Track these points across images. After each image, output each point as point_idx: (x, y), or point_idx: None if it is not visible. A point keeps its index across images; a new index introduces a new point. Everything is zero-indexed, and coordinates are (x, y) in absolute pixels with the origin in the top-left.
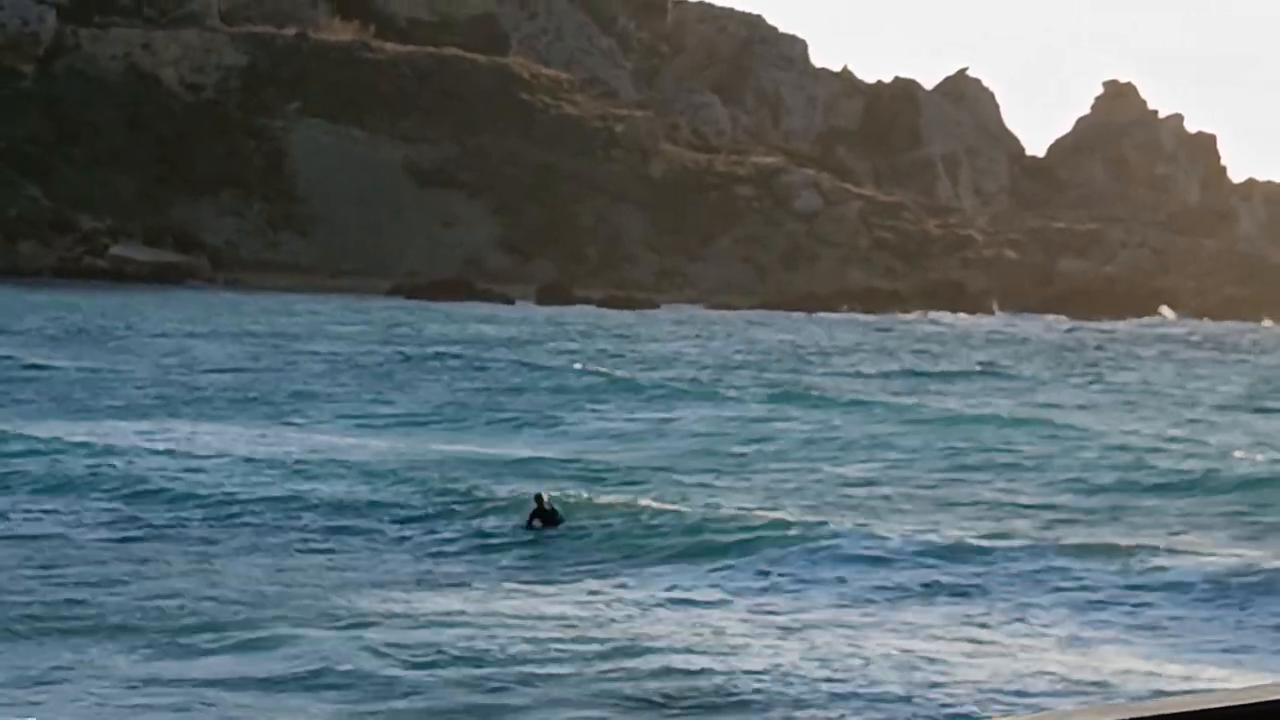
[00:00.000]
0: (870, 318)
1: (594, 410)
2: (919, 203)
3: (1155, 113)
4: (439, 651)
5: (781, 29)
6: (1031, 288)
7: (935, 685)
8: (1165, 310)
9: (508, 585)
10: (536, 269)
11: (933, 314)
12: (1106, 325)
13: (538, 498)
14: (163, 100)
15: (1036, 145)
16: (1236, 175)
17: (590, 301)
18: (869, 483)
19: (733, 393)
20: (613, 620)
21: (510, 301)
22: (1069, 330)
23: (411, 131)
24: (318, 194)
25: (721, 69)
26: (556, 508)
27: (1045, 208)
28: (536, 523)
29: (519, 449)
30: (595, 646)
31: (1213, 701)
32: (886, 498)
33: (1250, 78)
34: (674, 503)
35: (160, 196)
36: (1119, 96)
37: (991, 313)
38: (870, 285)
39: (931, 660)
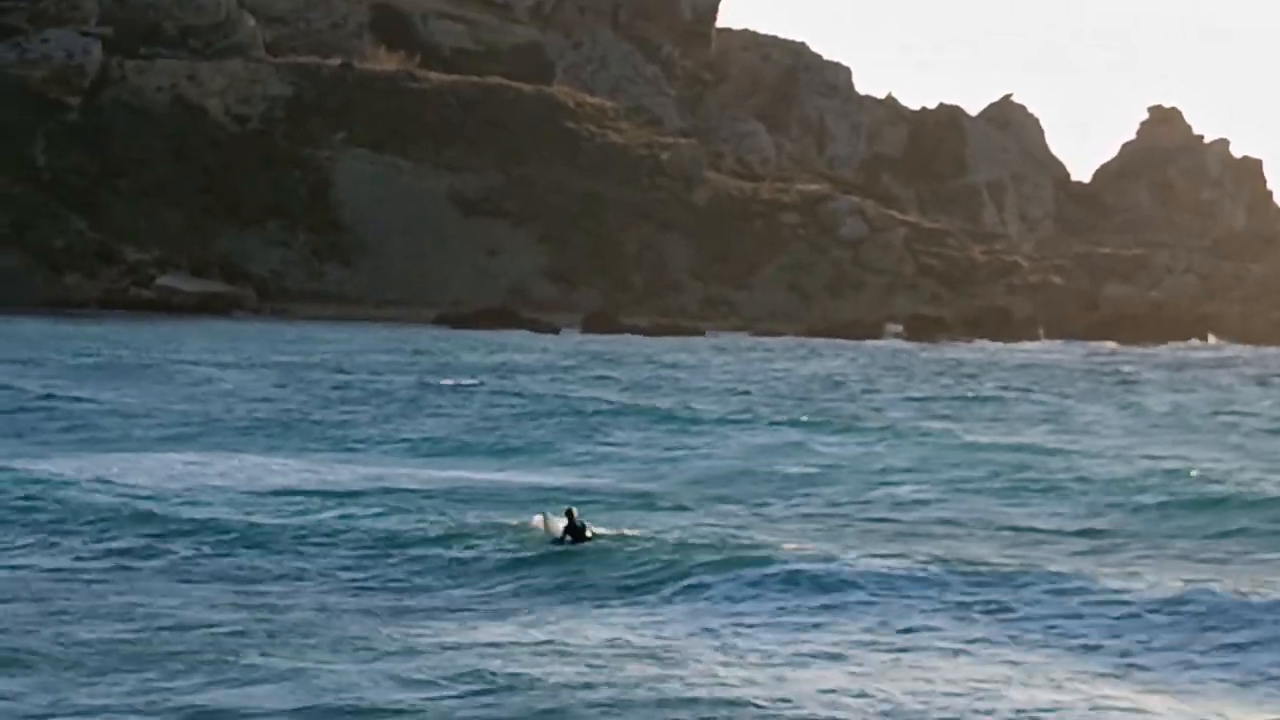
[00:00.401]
0: (909, 344)
1: (618, 436)
2: (964, 229)
3: (1201, 138)
4: (482, 678)
5: (826, 56)
6: (1077, 313)
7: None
8: (1211, 336)
9: (542, 607)
10: (582, 297)
11: (978, 341)
12: (1150, 350)
13: (569, 512)
14: (208, 131)
15: (1082, 171)
16: None
17: (636, 330)
18: (897, 507)
19: (764, 419)
20: (656, 643)
21: (556, 330)
22: (1109, 355)
23: (456, 161)
24: (363, 224)
25: (766, 96)
26: (586, 523)
27: (1091, 233)
28: (568, 538)
29: (542, 475)
30: (642, 669)
31: None
32: (912, 523)
33: None
34: (701, 526)
35: (206, 227)
36: (1164, 122)
37: (1037, 339)
38: (916, 312)
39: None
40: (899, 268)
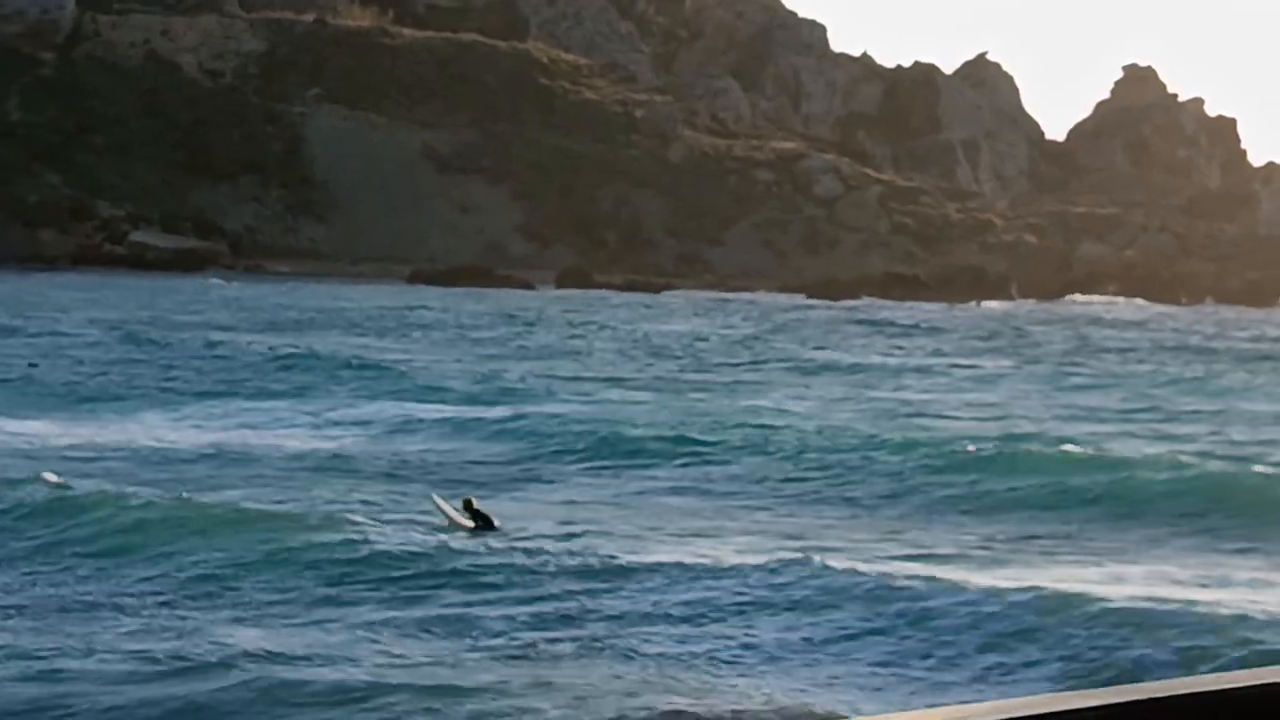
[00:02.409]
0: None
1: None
2: (939, 187)
3: (1175, 96)
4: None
5: (800, 14)
6: (1051, 272)
7: None
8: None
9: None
10: (556, 255)
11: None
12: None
13: (467, 503)
14: (182, 87)
15: (1056, 129)
16: (1257, 159)
17: (611, 286)
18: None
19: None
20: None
21: (531, 287)
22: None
23: (430, 117)
24: (337, 180)
25: (740, 54)
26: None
27: (1065, 192)
28: (473, 523)
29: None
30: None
31: (1207, 685)
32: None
33: (1271, 61)
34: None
35: (179, 183)
36: (1139, 80)
37: (1011, 297)
38: (890, 270)
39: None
40: (873, 225)
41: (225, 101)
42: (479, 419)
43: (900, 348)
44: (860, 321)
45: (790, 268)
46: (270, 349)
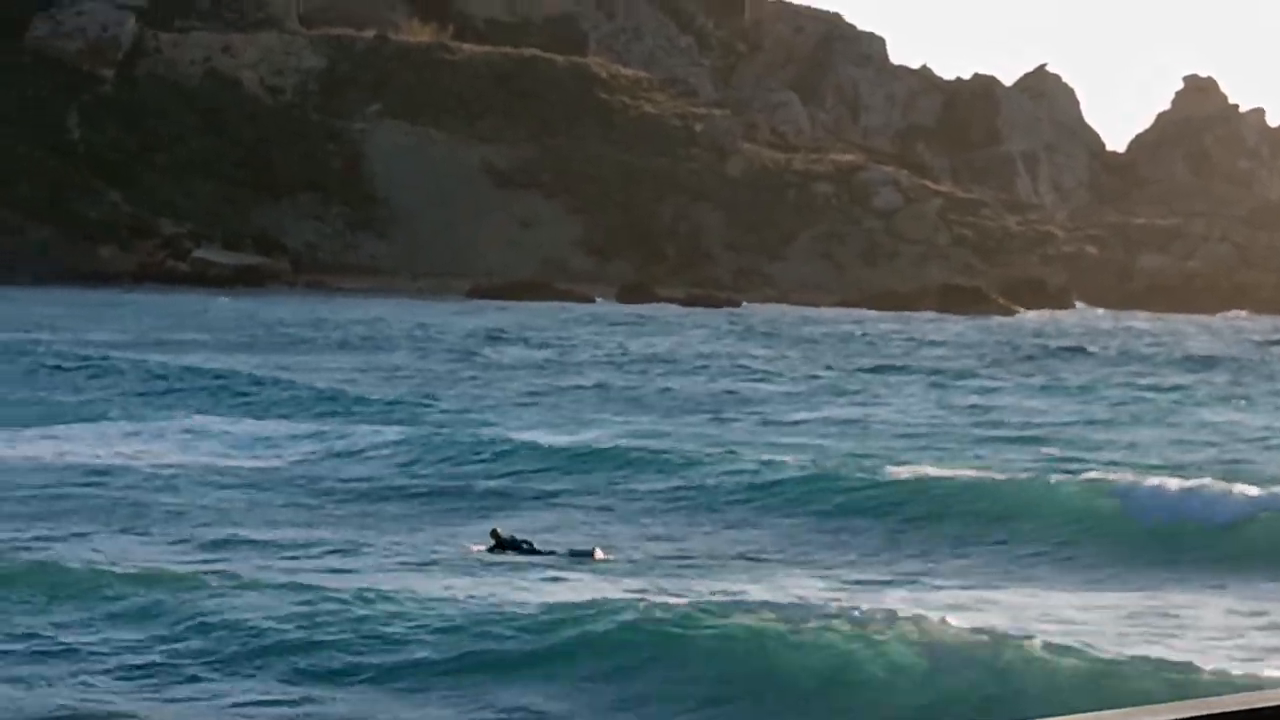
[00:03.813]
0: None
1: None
2: (998, 199)
3: (1236, 107)
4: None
5: (860, 27)
6: (1112, 284)
7: None
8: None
9: None
10: (616, 269)
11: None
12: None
13: (494, 533)
14: (242, 104)
15: (1117, 141)
16: None
17: (671, 300)
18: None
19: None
20: None
21: (591, 301)
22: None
23: (490, 133)
24: (397, 196)
25: (800, 67)
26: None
27: (1125, 203)
28: (507, 552)
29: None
30: None
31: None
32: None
33: None
34: None
35: (240, 200)
36: (1200, 91)
37: (1071, 308)
38: (950, 282)
39: None
40: (933, 238)
41: (286, 118)
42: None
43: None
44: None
45: (849, 280)
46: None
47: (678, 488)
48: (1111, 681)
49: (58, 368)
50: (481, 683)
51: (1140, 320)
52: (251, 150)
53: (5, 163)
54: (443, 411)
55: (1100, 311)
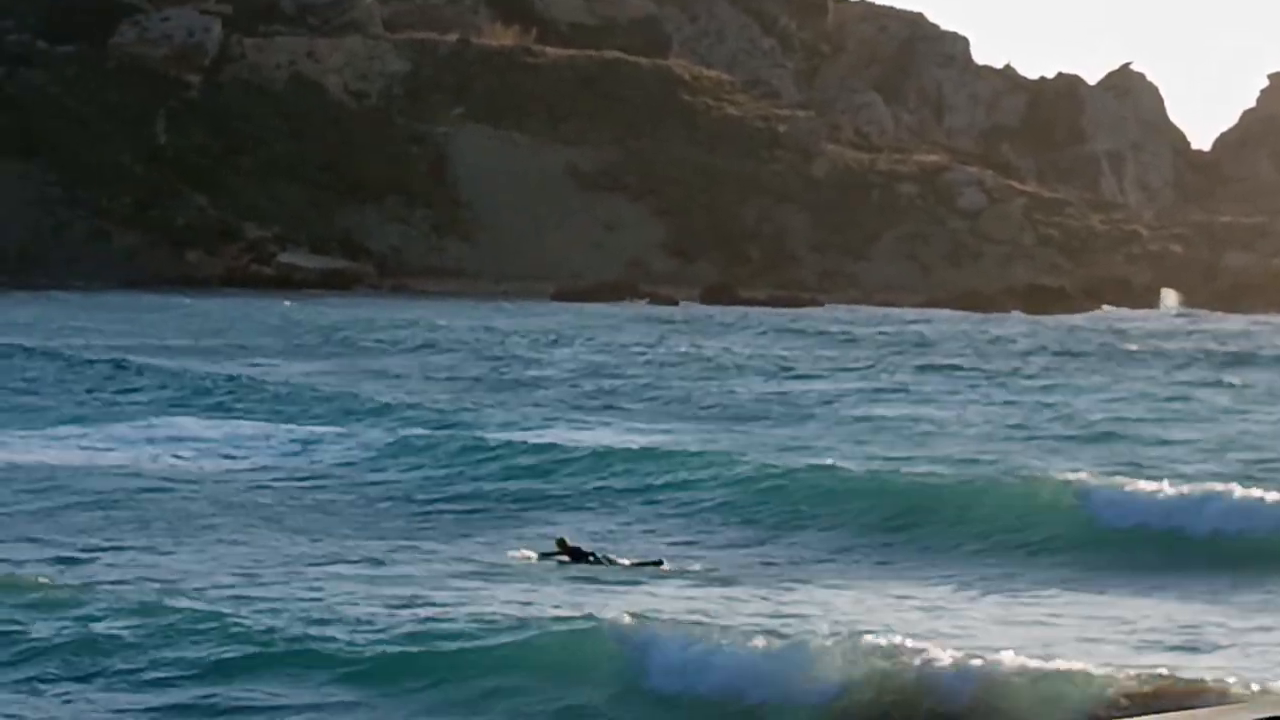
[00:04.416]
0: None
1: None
2: (1083, 198)
3: None
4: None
5: (943, 27)
6: (1198, 282)
7: None
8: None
9: None
10: (700, 271)
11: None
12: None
13: (560, 542)
14: (327, 108)
15: (1202, 139)
16: None
17: (755, 302)
18: None
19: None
20: None
21: (675, 303)
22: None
23: (574, 135)
24: (481, 199)
25: (883, 68)
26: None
27: (1210, 201)
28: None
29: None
30: None
31: None
32: None
33: None
34: None
35: (325, 204)
36: None
37: (1156, 307)
38: (1035, 282)
39: None
40: (1018, 237)
41: (370, 122)
42: None
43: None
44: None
45: (934, 281)
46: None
47: (722, 492)
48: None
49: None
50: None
51: (1228, 319)
52: (336, 154)
53: (93, 170)
54: (497, 421)
55: (1184, 309)
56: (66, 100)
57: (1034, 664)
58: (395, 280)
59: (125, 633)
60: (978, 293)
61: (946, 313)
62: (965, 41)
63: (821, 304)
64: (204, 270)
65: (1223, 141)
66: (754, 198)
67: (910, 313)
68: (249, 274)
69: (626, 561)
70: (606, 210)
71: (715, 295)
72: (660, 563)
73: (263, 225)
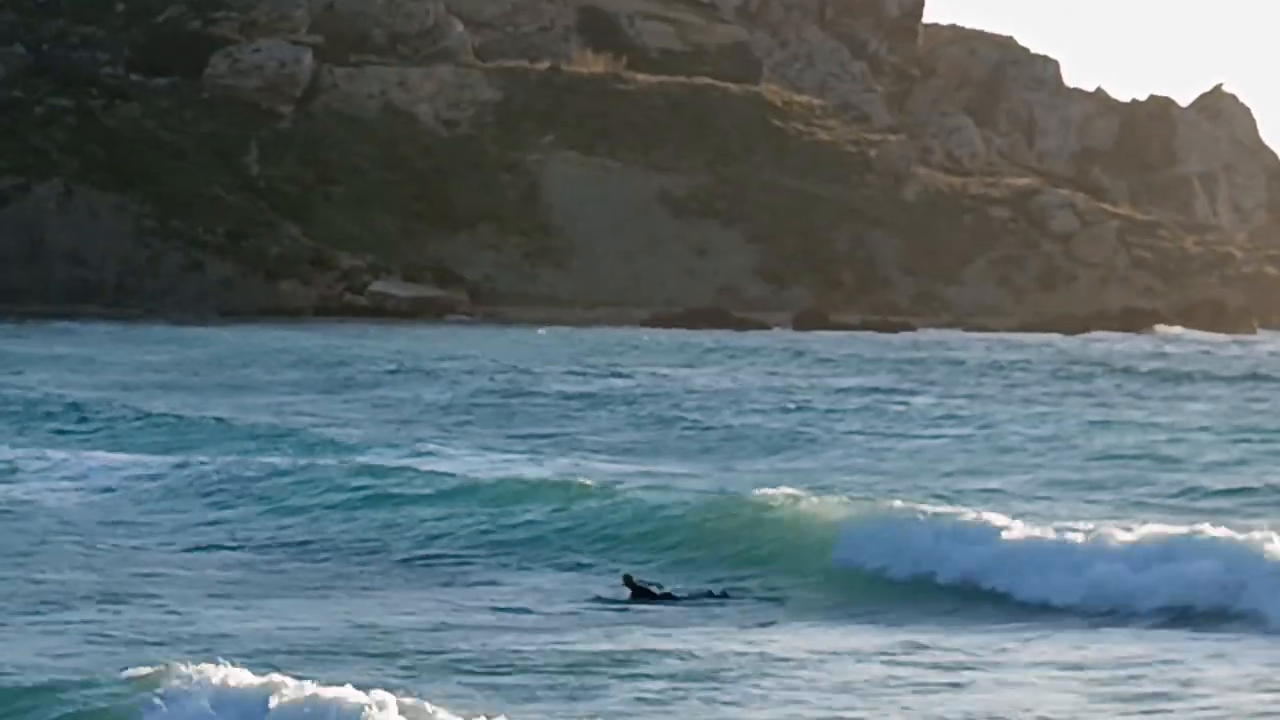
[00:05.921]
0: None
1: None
2: (1176, 221)
3: None
4: None
5: (1034, 49)
6: None
7: None
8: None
9: None
10: (792, 295)
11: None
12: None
13: (627, 579)
14: (418, 137)
15: None
16: None
17: (847, 327)
18: None
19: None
20: None
21: (767, 328)
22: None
23: (665, 161)
24: (573, 226)
25: (974, 91)
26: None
27: None
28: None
29: None
30: None
31: None
32: None
33: None
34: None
35: (418, 233)
36: None
37: (1252, 331)
38: (1129, 305)
39: None
40: (1111, 260)
41: (462, 150)
42: None
43: None
44: None
45: (1027, 304)
46: None
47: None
48: None
49: None
50: None
51: None
52: (428, 183)
53: (187, 201)
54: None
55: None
56: (161, 132)
57: None
58: (488, 308)
59: None
60: (1071, 316)
61: (1058, 336)
62: (1056, 64)
63: (914, 328)
64: (298, 300)
65: None
66: (845, 222)
67: (995, 336)
68: (342, 303)
69: (688, 595)
70: (698, 236)
71: (808, 320)
72: (724, 594)
73: (355, 254)
